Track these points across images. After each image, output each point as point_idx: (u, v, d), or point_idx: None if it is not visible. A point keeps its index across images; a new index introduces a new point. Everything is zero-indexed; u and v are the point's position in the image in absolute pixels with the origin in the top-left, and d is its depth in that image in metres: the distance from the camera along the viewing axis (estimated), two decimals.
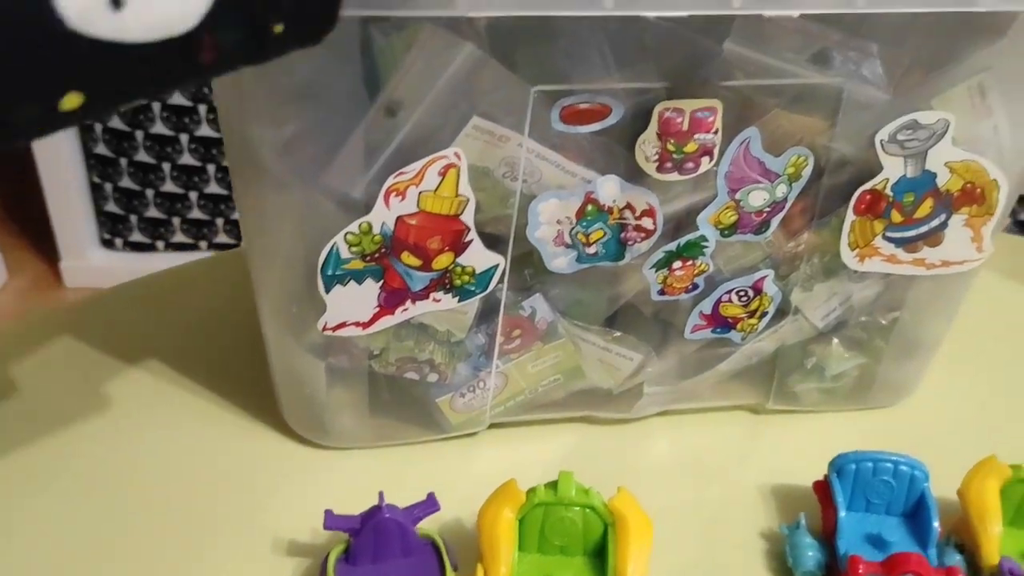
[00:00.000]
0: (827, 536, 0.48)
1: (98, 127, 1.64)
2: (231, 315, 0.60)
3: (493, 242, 0.47)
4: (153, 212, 1.72)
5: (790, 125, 0.46)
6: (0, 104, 0.24)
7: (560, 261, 0.48)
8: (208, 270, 0.66)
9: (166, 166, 1.66)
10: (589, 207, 0.47)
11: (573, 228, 0.47)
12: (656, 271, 0.49)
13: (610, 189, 0.46)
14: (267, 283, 0.49)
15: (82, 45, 0.23)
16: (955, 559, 0.47)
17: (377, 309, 0.47)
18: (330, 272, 0.45)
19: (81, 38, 0.23)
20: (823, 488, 0.49)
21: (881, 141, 0.46)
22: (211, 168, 1.67)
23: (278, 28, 0.28)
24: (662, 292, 0.50)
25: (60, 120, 0.25)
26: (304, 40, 0.30)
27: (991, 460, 0.48)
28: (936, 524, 0.47)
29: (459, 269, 0.47)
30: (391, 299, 0.47)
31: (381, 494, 0.45)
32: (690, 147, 0.45)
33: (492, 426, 0.55)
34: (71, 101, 0.24)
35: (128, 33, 0.24)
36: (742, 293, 0.52)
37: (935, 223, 0.50)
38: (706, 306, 0.52)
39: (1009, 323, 0.67)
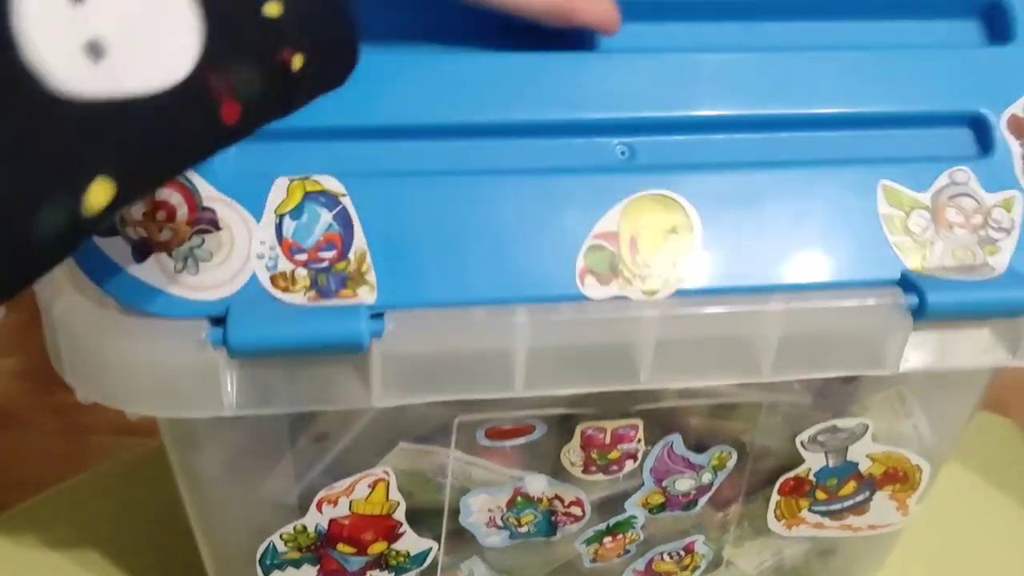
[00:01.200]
0: None
1: None
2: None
3: (426, 524, 0.49)
4: None
5: (712, 429, 0.47)
6: (9, 216, 0.18)
7: (494, 539, 0.50)
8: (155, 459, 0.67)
9: None
10: (519, 498, 0.48)
11: (504, 514, 0.49)
12: (588, 545, 0.51)
13: (539, 485, 0.48)
14: (209, 556, 0.51)
15: (81, 110, 0.19)
16: None
17: None
18: (268, 562, 0.47)
19: (72, 104, 0.19)
20: None
21: (801, 441, 0.48)
22: None
23: (297, 62, 0.24)
24: (594, 560, 0.52)
25: (93, 224, 0.20)
26: (328, 78, 0.26)
27: None
28: None
29: (394, 553, 0.49)
30: None
31: None
32: (613, 455, 0.46)
33: None
34: (99, 194, 0.20)
35: (124, 84, 0.20)
36: (674, 554, 0.53)
37: (860, 498, 0.51)
38: (639, 564, 0.53)
39: (961, 517, 0.67)
